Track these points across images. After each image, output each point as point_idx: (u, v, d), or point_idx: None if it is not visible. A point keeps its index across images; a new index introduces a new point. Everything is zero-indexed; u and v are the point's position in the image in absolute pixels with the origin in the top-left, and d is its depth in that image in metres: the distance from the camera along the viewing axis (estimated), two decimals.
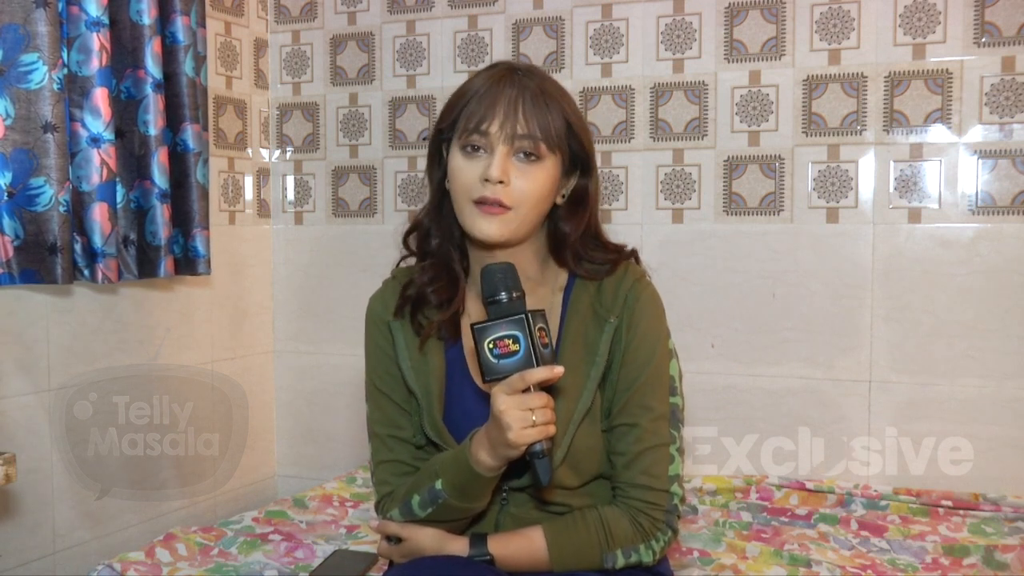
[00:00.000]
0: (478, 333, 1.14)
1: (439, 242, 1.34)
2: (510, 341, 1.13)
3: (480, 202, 1.24)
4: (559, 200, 1.31)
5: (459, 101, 1.28)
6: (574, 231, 1.32)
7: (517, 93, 1.24)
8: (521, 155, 1.24)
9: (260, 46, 2.69)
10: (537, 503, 1.30)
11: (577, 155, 1.30)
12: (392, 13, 2.59)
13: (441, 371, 1.33)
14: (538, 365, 1.13)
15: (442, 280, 1.34)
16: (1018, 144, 2.08)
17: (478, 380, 1.30)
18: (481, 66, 2.17)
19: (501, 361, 1.13)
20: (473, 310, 1.34)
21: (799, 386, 2.24)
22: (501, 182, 1.22)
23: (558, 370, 1.13)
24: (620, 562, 1.26)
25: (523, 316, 1.13)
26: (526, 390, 1.13)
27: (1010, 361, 2.09)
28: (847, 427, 2.20)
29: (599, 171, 2.33)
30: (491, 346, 1.14)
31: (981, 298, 2.11)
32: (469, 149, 1.25)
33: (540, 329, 1.15)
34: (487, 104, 1.24)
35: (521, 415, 1.12)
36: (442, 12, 2.53)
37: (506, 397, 1.13)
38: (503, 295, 1.15)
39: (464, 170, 1.25)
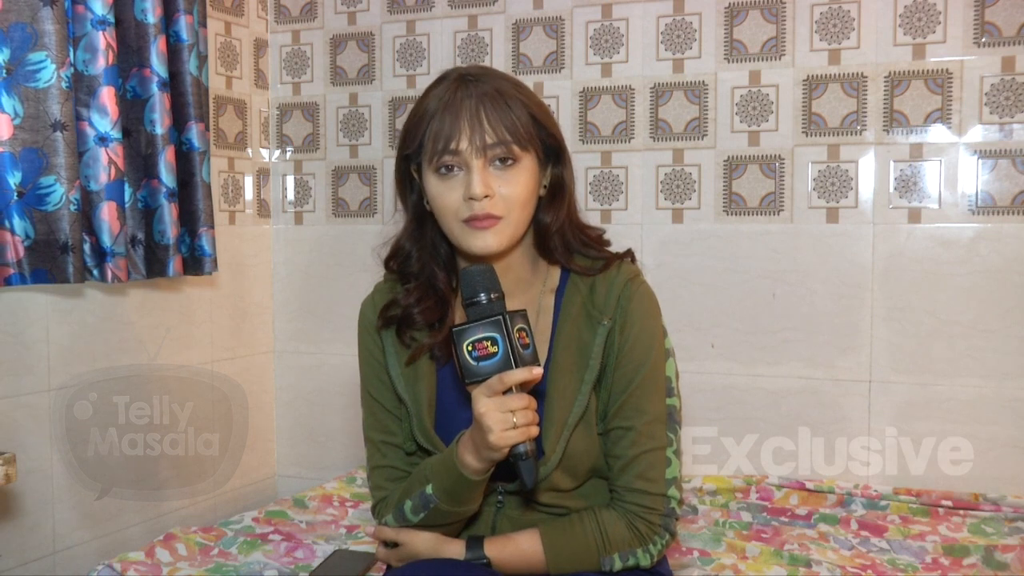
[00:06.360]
0: (456, 336, 1.14)
1: (422, 264, 1.33)
2: (488, 343, 1.12)
3: (469, 220, 1.22)
4: (541, 192, 1.31)
5: (420, 123, 1.26)
6: (555, 220, 1.30)
7: (476, 102, 1.22)
8: (497, 162, 1.23)
9: (260, 46, 2.69)
10: (533, 505, 1.30)
11: (549, 145, 1.29)
12: (392, 13, 2.59)
13: (432, 378, 1.32)
14: (517, 366, 1.12)
15: (430, 300, 1.33)
16: (1018, 144, 2.08)
17: None
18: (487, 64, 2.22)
19: (480, 363, 1.13)
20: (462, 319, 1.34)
21: (799, 386, 2.24)
22: (487, 196, 1.21)
23: (536, 371, 1.12)
24: (617, 565, 1.26)
25: (500, 317, 1.12)
26: (507, 391, 1.12)
27: (1010, 361, 2.09)
28: (847, 427, 2.20)
29: (601, 170, 2.37)
30: (470, 348, 1.13)
31: (981, 298, 2.11)
32: (443, 170, 1.23)
33: (520, 330, 1.14)
34: (450, 121, 1.22)
35: (501, 417, 1.11)
36: (442, 12, 2.53)
37: (486, 399, 1.12)
38: (482, 296, 1.15)
39: (444, 194, 1.24)
